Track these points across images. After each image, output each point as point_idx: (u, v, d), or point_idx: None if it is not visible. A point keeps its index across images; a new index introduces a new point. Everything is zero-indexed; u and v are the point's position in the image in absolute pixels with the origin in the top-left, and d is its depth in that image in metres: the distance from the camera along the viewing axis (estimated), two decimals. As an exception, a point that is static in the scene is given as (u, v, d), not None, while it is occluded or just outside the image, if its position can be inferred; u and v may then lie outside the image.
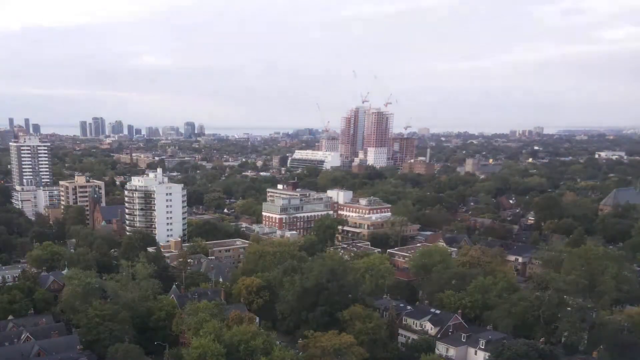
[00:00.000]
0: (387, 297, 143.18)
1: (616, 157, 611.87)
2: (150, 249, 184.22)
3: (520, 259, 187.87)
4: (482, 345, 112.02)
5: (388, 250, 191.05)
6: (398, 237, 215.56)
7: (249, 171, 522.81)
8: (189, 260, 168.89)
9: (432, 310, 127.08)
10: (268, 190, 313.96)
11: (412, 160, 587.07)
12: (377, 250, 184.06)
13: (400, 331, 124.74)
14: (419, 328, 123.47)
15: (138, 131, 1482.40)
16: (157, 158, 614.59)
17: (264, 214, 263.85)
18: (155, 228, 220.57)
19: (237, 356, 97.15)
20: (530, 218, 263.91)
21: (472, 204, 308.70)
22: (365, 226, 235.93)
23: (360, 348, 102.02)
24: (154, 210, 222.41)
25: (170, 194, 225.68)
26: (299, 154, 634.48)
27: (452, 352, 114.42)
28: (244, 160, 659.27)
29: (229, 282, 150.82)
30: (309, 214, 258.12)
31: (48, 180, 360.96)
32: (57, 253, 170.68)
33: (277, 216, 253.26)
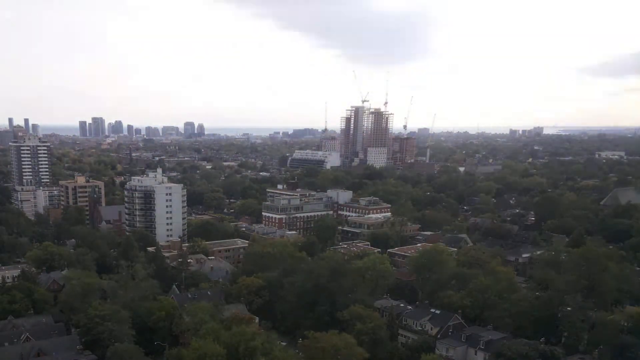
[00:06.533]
0: (387, 297, 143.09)
1: (616, 157, 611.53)
2: (150, 249, 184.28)
3: (520, 259, 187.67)
4: (482, 345, 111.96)
5: (388, 250, 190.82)
6: (398, 237, 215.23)
7: (249, 171, 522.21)
8: (188, 261, 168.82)
9: (432, 310, 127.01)
10: (268, 190, 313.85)
11: (412, 160, 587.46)
12: (377, 250, 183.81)
13: (400, 331, 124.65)
14: (419, 328, 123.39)
15: (138, 131, 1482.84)
16: (156, 158, 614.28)
17: (264, 214, 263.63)
18: (155, 228, 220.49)
19: (237, 357, 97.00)
20: (530, 218, 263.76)
21: (471, 204, 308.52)
22: (365, 226, 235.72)
23: (360, 348, 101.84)
24: (154, 210, 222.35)
25: (170, 194, 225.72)
26: (299, 154, 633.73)
27: (452, 352, 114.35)
28: (243, 160, 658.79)
29: (229, 282, 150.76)
30: (309, 214, 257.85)
31: (48, 180, 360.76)
32: (56, 253, 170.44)
33: (277, 216, 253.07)
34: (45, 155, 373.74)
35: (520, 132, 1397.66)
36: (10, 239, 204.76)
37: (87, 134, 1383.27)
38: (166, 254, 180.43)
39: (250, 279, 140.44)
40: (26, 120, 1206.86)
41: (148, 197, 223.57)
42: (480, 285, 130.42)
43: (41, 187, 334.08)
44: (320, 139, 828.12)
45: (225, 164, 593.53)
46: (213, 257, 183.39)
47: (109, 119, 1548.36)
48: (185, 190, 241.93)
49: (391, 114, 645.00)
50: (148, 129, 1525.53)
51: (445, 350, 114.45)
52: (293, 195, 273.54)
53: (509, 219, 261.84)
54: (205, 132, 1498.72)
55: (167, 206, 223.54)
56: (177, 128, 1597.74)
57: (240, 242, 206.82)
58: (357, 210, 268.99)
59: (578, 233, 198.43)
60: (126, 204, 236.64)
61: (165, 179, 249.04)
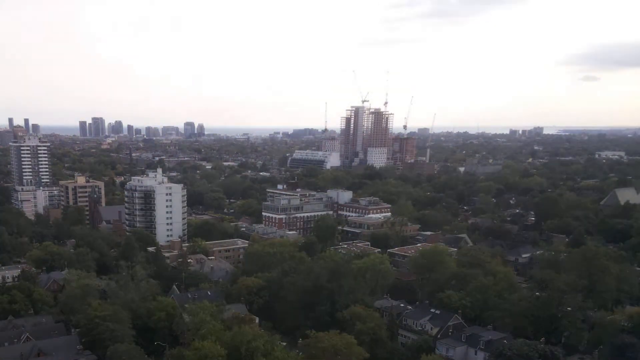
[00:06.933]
0: (387, 297, 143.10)
1: (616, 157, 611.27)
2: (150, 249, 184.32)
3: (520, 259, 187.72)
4: (482, 345, 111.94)
5: (388, 250, 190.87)
6: (398, 237, 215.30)
7: (249, 171, 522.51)
8: (188, 261, 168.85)
9: (432, 310, 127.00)
10: (268, 190, 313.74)
11: (412, 160, 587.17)
12: (377, 250, 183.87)
13: (400, 331, 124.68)
14: (419, 328, 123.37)
15: (138, 131, 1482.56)
16: (156, 158, 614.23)
17: (264, 214, 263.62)
18: (155, 228, 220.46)
19: (238, 357, 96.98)
20: (530, 218, 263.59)
21: (471, 204, 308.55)
22: (365, 226, 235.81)
23: (361, 348, 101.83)
24: (154, 210, 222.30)
25: (170, 194, 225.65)
26: (299, 154, 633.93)
27: (452, 352, 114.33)
28: (243, 160, 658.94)
29: (229, 282, 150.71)
30: (309, 214, 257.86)
31: (48, 180, 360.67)
32: (56, 253, 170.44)
33: (277, 216, 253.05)
34: (46, 155, 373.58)
35: (520, 132, 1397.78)
36: (10, 239, 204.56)
37: (87, 134, 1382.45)
38: (166, 254, 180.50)
39: (250, 279, 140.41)
40: (26, 120, 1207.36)
41: (148, 197, 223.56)
42: (480, 285, 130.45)
43: (41, 187, 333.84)
44: (320, 139, 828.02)
45: (225, 164, 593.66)
46: (213, 257, 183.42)
47: (109, 119, 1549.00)
48: (185, 190, 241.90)
49: (391, 114, 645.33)
50: (148, 129, 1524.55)
51: (445, 350, 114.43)
52: (293, 195, 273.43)
53: (509, 219, 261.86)
54: (205, 132, 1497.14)
55: (167, 206, 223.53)
56: (177, 128, 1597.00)
57: (240, 242, 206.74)
58: (357, 210, 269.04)
59: (578, 233, 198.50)
60: (126, 204, 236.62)
61: (165, 179, 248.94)
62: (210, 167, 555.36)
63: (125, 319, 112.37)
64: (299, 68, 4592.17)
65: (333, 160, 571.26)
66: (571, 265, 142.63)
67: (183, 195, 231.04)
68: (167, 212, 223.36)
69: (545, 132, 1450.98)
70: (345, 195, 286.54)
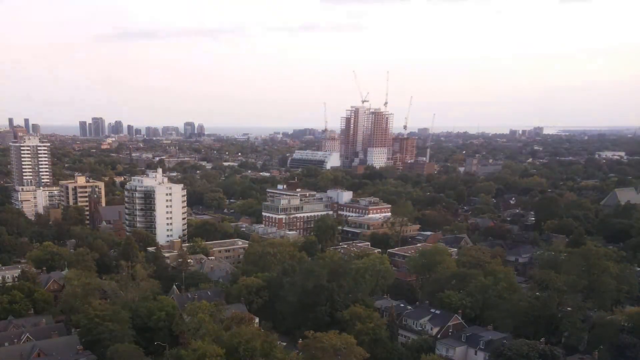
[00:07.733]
0: (387, 297, 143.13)
1: (616, 157, 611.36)
2: (150, 249, 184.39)
3: (520, 259, 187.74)
4: (482, 345, 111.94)
5: (388, 250, 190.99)
6: (398, 237, 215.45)
7: (249, 171, 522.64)
8: (188, 261, 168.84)
9: (432, 310, 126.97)
10: (268, 190, 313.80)
11: (412, 160, 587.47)
12: (377, 250, 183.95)
13: (400, 331, 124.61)
14: (419, 328, 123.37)
15: (138, 131, 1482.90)
16: (157, 158, 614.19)
17: (264, 214, 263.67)
18: (155, 228, 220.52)
19: (237, 357, 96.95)
20: (530, 218, 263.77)
21: (471, 204, 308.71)
22: (366, 226, 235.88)
23: (361, 348, 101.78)
24: (154, 210, 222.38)
25: (170, 194, 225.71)
26: (299, 154, 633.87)
27: (452, 352, 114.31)
28: (243, 160, 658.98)
29: (229, 282, 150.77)
30: (309, 214, 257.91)
31: (48, 180, 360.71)
32: (56, 253, 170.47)
33: (277, 216, 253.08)
34: (46, 155, 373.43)
35: (520, 132, 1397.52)
36: (10, 239, 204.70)
37: (87, 134, 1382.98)
38: (166, 254, 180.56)
39: (250, 279, 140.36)
40: (26, 120, 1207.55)
41: (148, 197, 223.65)
42: (480, 285, 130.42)
43: (41, 187, 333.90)
44: (320, 139, 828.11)
45: (225, 164, 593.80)
46: (213, 257, 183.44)
47: (109, 119, 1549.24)
48: (185, 190, 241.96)
49: (391, 114, 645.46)
50: (148, 129, 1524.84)
51: (445, 350, 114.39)
52: (293, 195, 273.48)
53: (509, 219, 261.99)
54: (205, 132, 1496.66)
55: (167, 206, 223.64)
56: (177, 128, 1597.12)
57: (240, 242, 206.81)
58: (357, 210, 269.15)
59: (578, 233, 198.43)
60: (126, 204, 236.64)
61: (166, 179, 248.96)
62: (210, 167, 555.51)
63: (125, 319, 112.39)
64: (298, 67, 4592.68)
65: (333, 160, 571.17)
66: (571, 265, 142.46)
67: (183, 196, 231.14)
68: (167, 212, 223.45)
69: (545, 132, 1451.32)
70: (345, 195, 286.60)
